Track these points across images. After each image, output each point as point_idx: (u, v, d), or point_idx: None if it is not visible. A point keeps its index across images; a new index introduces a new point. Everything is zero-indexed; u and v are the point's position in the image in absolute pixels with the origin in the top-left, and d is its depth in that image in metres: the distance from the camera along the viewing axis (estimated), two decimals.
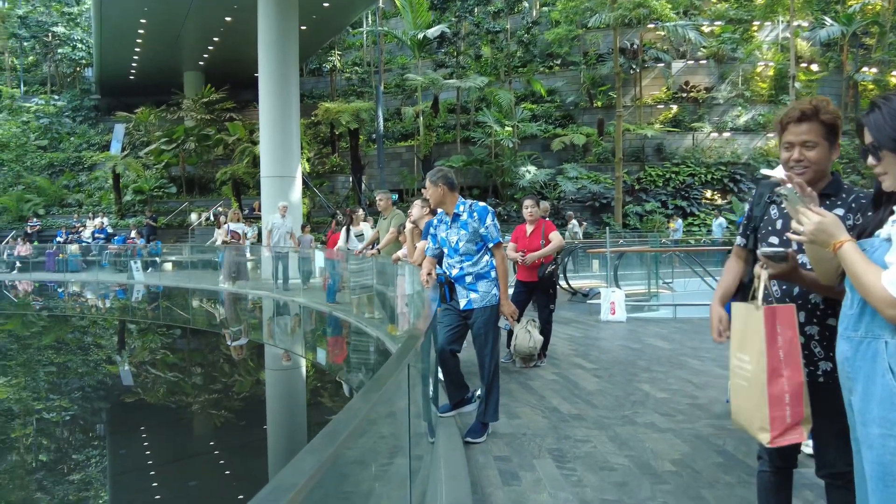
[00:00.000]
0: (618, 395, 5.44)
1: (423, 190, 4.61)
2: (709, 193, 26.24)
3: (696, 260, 13.10)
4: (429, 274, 4.44)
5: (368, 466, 2.09)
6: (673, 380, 5.95)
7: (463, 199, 4.45)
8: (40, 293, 19.59)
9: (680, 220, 23.28)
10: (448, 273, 4.45)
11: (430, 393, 3.79)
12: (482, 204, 4.44)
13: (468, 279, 4.35)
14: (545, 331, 6.56)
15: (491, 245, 4.36)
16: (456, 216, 4.39)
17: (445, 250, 4.47)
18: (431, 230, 4.61)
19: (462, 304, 4.38)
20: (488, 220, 4.33)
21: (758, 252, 2.11)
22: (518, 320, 6.12)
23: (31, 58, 39.86)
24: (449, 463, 3.70)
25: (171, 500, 4.99)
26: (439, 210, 4.56)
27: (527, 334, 6.35)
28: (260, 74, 17.73)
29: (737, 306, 2.19)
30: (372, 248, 9.14)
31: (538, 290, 6.63)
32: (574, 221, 19.11)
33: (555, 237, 6.54)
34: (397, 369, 1.76)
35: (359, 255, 9.79)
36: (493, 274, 4.37)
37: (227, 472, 5.62)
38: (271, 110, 17.53)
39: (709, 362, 6.71)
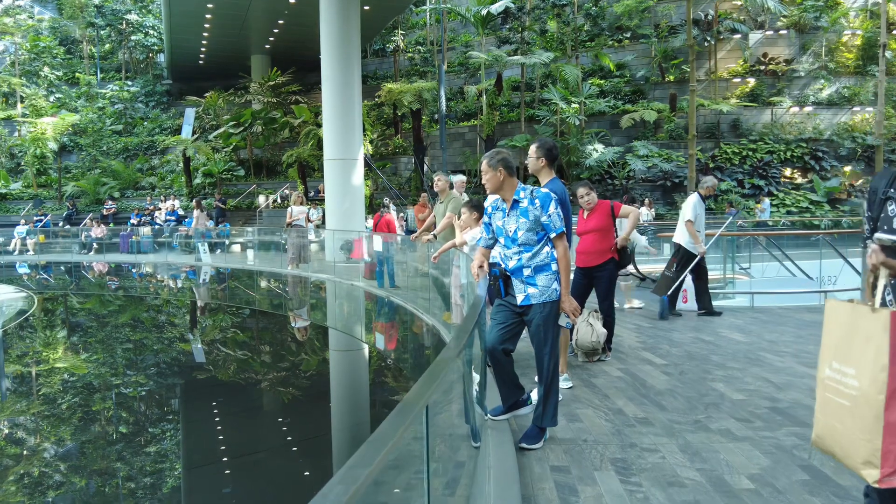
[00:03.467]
0: (689, 395, 5.03)
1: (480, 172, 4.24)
2: (788, 172, 24.88)
3: (775, 243, 12.32)
4: (480, 266, 4.11)
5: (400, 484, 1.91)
6: (750, 378, 5.48)
7: (523, 185, 4.03)
8: (115, 274, 20.27)
9: (767, 201, 22.14)
10: (504, 265, 4.05)
11: (475, 394, 3.51)
12: (544, 190, 3.99)
13: (526, 272, 3.95)
14: (607, 322, 6.16)
15: (553, 235, 3.94)
16: (515, 203, 3.96)
17: (501, 240, 4.08)
18: (485, 219, 4.24)
19: (519, 299, 3.98)
20: (551, 208, 3.90)
21: (874, 237, 1.71)
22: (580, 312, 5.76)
23: (107, 45, 41.20)
24: (499, 473, 3.41)
25: (240, 475, 5.13)
26: (494, 197, 4.19)
27: (589, 328, 5.97)
28: (322, 57, 17.61)
29: (836, 305, 1.77)
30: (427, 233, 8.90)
31: (599, 279, 6.23)
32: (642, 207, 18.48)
33: (626, 211, 6.34)
34: (422, 399, 1.53)
35: (414, 239, 9.57)
36: (553, 266, 3.96)
37: (294, 449, 5.78)
38: (334, 93, 17.43)
39: (789, 358, 6.20)
